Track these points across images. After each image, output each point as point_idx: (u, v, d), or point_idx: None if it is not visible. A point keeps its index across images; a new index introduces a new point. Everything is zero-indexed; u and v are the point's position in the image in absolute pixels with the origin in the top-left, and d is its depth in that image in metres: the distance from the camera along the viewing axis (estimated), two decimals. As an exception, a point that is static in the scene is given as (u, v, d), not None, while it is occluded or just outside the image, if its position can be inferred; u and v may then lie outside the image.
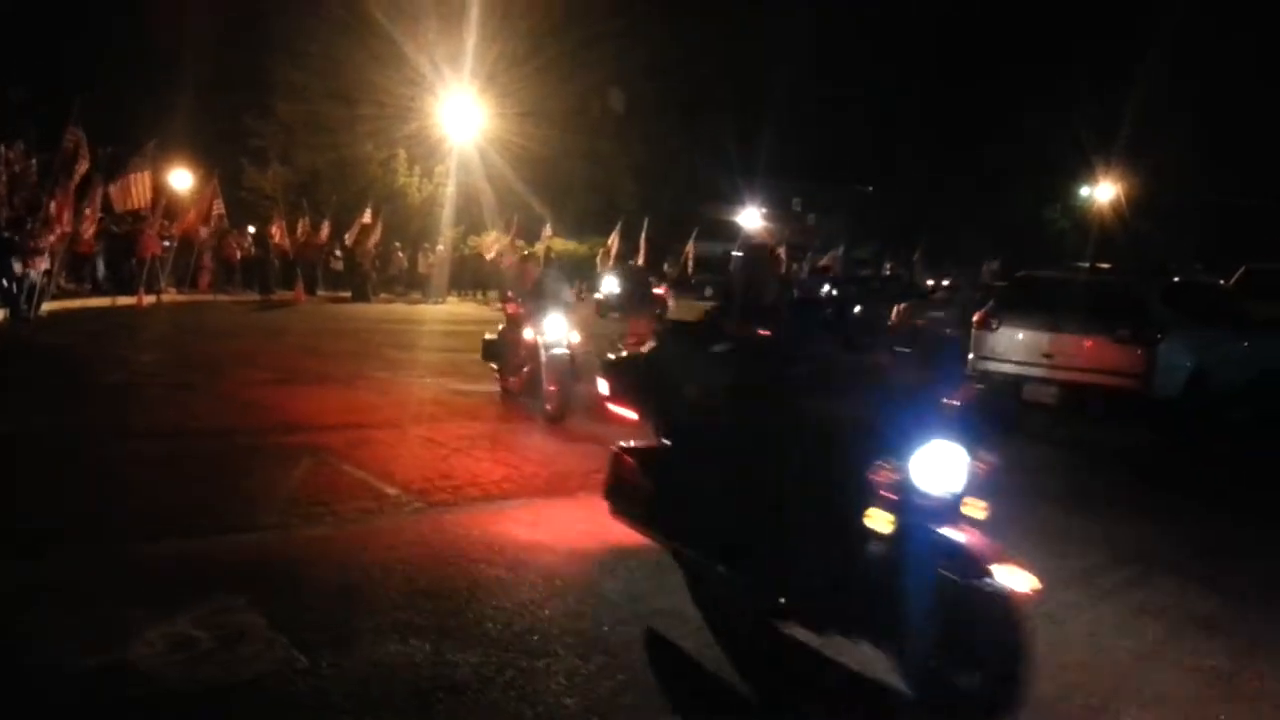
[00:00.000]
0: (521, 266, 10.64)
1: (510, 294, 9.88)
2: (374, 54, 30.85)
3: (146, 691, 3.37)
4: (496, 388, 10.19)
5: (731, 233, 42.56)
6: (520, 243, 29.44)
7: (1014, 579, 3.11)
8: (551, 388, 8.87)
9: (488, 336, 10.44)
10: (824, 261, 31.86)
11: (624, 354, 4.75)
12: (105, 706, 3.29)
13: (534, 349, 9.15)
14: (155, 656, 3.61)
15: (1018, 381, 10.06)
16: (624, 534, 5.44)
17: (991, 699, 3.16)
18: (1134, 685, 3.81)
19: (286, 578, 4.54)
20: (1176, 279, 11.19)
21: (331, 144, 32.15)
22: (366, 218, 27.85)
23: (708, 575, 4.07)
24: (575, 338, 9.18)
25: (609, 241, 32.95)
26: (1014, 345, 10.28)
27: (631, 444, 4.40)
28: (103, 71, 28.01)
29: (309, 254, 27.24)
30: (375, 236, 28.07)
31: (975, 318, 10.92)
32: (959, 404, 3.44)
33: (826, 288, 24.49)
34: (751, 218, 44.34)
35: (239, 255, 26.61)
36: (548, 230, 32.69)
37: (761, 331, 4.08)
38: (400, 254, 29.99)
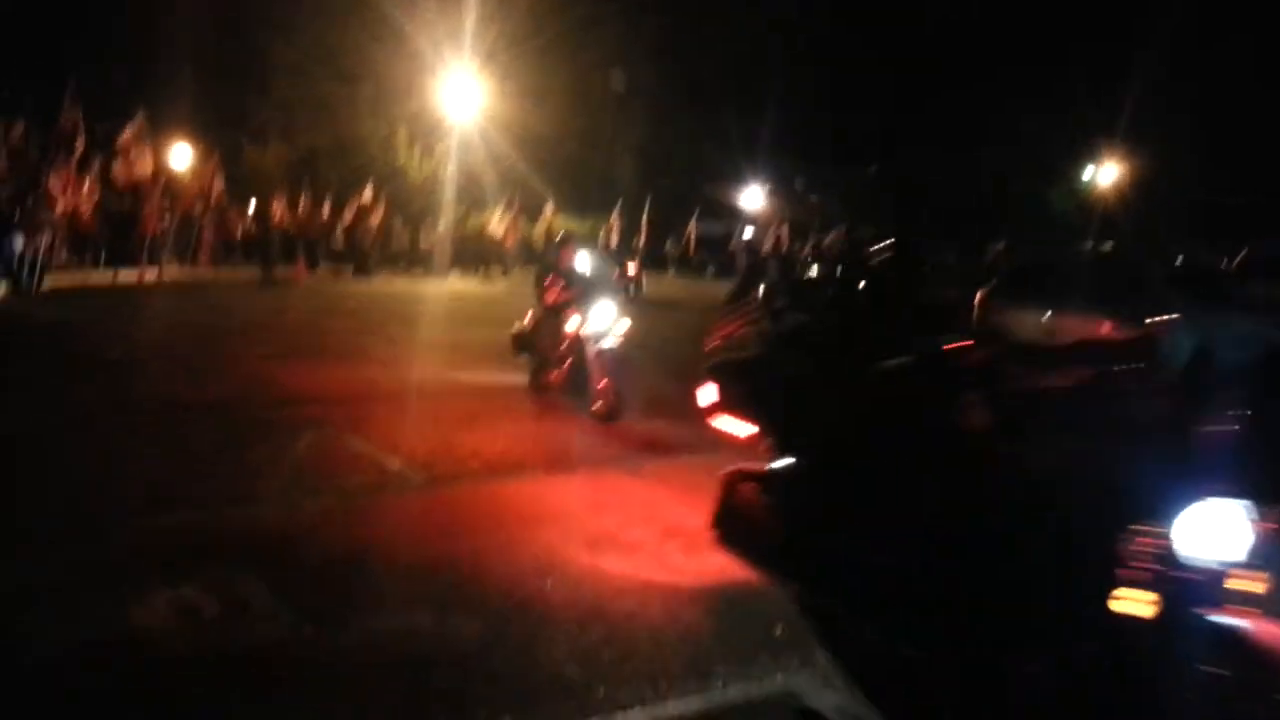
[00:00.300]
0: (559, 248, 9.40)
1: (549, 279, 8.77)
2: (373, 32, 30.65)
3: (150, 658, 3.41)
4: (523, 379, 9.16)
5: (732, 212, 42.46)
6: (554, 219, 29.03)
7: None
8: (601, 384, 7.92)
9: (517, 326, 9.23)
10: (827, 241, 31.80)
11: (741, 355, 3.86)
12: (109, 673, 3.33)
13: (578, 340, 8.24)
14: (160, 624, 3.65)
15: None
16: (623, 509, 5.49)
17: None
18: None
19: (290, 549, 4.58)
20: (1180, 260, 11.17)
21: (331, 122, 32.00)
22: (366, 198, 27.74)
23: (849, 630, 3.31)
24: (624, 326, 8.28)
25: (610, 220, 32.85)
26: (1014, 326, 10.26)
27: (754, 467, 3.67)
28: (101, 49, 27.85)
29: (310, 231, 27.17)
30: (378, 215, 27.96)
31: (977, 298, 10.91)
32: (1228, 441, 2.68)
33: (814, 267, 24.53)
34: (754, 197, 44.16)
35: (239, 232, 26.54)
36: (549, 209, 32.59)
37: (956, 344, 3.36)
38: (401, 231, 29.91)
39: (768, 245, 35.12)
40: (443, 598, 4.06)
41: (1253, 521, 2.52)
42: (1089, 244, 12.51)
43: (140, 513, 4.98)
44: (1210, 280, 12.50)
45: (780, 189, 46.17)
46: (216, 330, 13.03)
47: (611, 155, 37.43)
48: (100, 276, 19.91)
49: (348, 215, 27.20)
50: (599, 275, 8.85)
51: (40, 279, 16.40)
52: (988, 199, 38.95)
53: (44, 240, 16.61)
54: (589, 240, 30.21)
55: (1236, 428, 2.83)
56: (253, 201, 28.10)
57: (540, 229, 32.13)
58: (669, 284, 30.16)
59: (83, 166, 17.82)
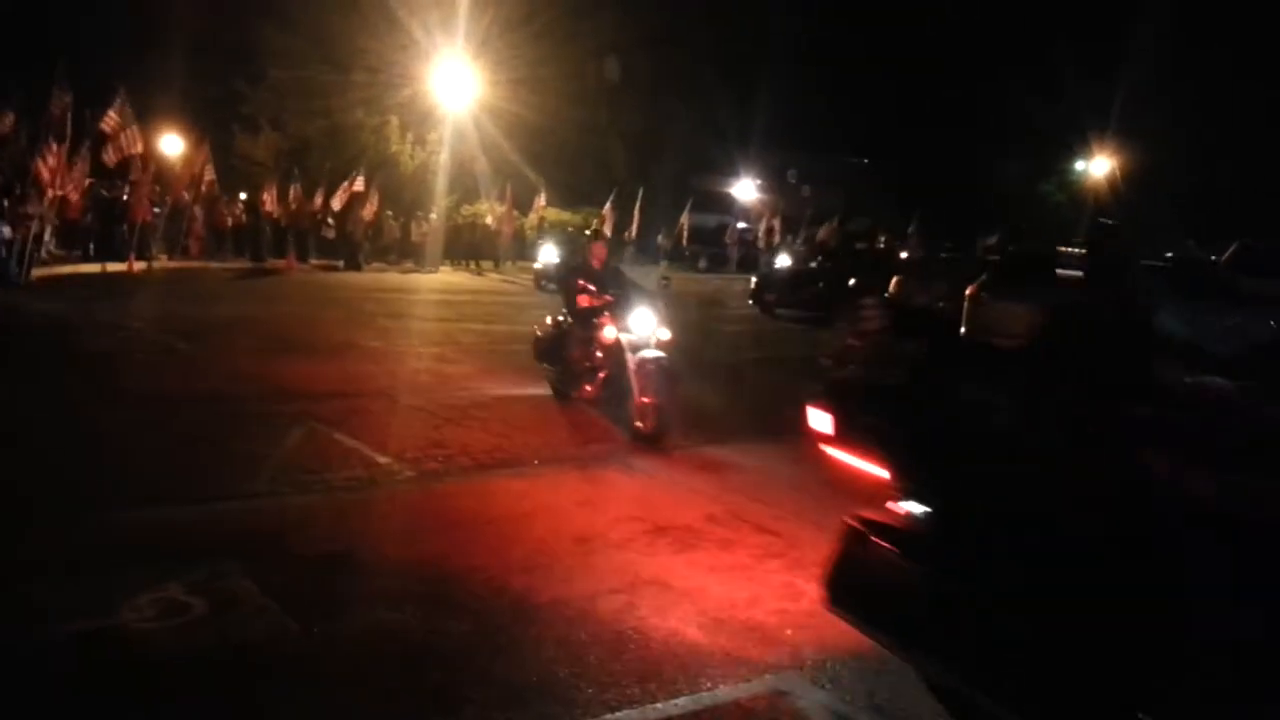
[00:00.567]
0: (588, 246, 8.61)
1: (581, 282, 7.83)
2: (366, 19, 30.51)
3: (137, 658, 3.39)
4: (546, 390, 8.58)
5: (726, 204, 42.44)
6: (598, 215, 28.53)
7: None
8: (644, 399, 7.02)
9: (540, 332, 8.59)
10: (820, 235, 31.80)
11: (878, 376, 3.05)
12: (96, 673, 3.31)
13: (616, 350, 7.40)
14: (146, 623, 3.63)
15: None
16: (614, 506, 5.48)
17: None
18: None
19: (278, 545, 4.56)
20: (1169, 254, 11.22)
21: (323, 110, 31.84)
22: (358, 185, 27.60)
23: None
24: (665, 334, 7.45)
25: (603, 212, 32.78)
26: (1005, 319, 10.27)
27: (881, 517, 2.96)
28: (91, 35, 27.64)
29: (301, 222, 27.04)
30: (372, 207, 27.82)
31: (967, 291, 10.92)
32: None
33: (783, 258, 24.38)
34: (746, 189, 44.14)
35: (230, 222, 26.42)
36: (541, 200, 32.50)
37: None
38: (393, 223, 29.79)
39: (761, 237, 35.13)
40: (432, 594, 4.05)
41: None
42: (1105, 224, 12.42)
43: (127, 507, 4.96)
44: (1200, 275, 12.51)
45: (773, 181, 46.16)
46: (205, 322, 12.97)
47: (604, 145, 37.32)
48: (89, 266, 19.81)
49: (337, 202, 26.94)
50: (634, 276, 8.10)
51: (29, 269, 16.30)
52: (981, 193, 38.96)
53: (32, 230, 16.50)
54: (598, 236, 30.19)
55: None
56: (242, 196, 27.97)
57: (532, 220, 32.04)
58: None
59: (72, 154, 17.66)
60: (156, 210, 22.64)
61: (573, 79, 34.57)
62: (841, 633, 3.90)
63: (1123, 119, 34.03)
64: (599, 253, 8.27)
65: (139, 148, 19.72)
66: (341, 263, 26.49)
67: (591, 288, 7.73)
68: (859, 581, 2.94)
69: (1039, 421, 2.53)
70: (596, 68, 36.69)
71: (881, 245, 29.58)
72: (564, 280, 8.29)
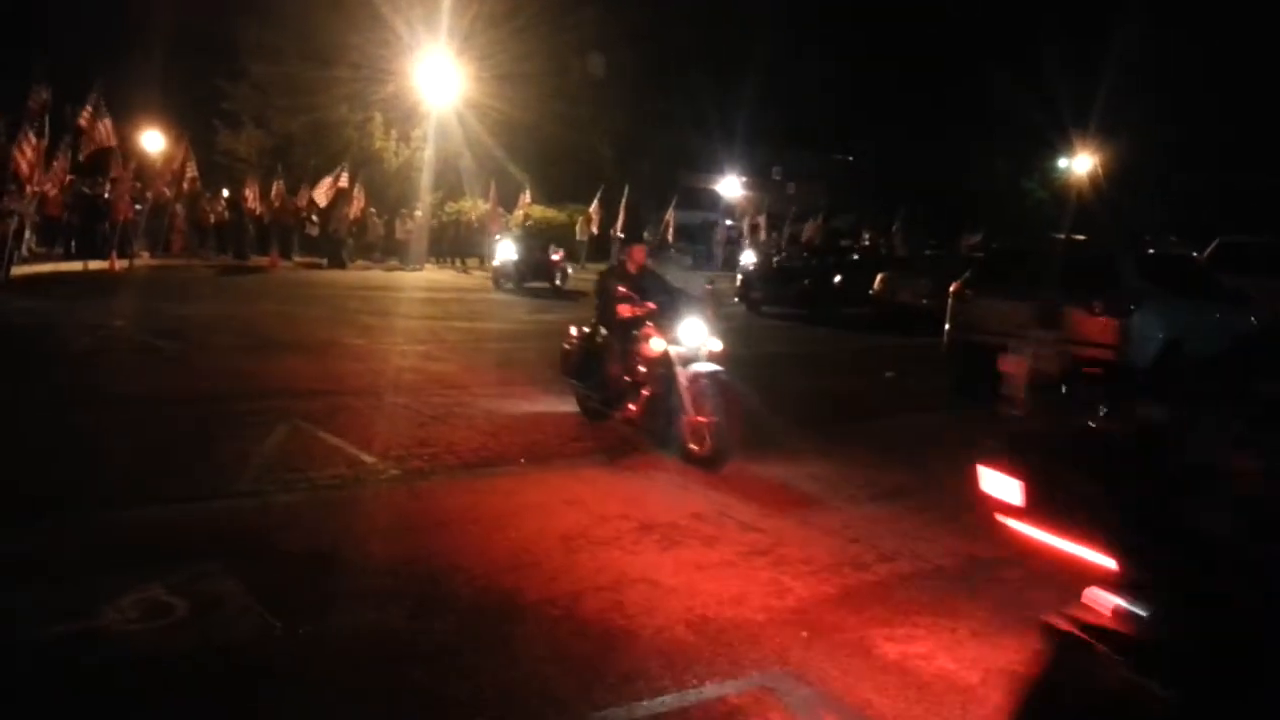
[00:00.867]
0: (625, 249, 7.80)
1: (621, 289, 7.07)
2: (348, 14, 30.31)
3: (120, 659, 3.36)
4: (572, 407, 7.85)
5: (711, 201, 42.48)
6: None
7: None
8: (700, 418, 6.36)
9: (568, 345, 7.81)
10: (807, 233, 31.88)
11: (1080, 426, 2.42)
12: (79, 675, 3.28)
13: (663, 364, 6.66)
14: (130, 624, 3.60)
15: (992, 351, 10.11)
16: (600, 503, 5.48)
17: None
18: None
19: (262, 545, 4.53)
20: (1151, 250, 11.28)
21: (306, 106, 31.63)
22: (342, 181, 27.44)
23: None
24: (717, 345, 6.74)
25: (590, 209, 32.73)
26: (989, 315, 10.33)
27: (1098, 618, 2.19)
28: (72, 31, 27.37)
29: (284, 219, 26.87)
30: (357, 204, 27.65)
31: (951, 288, 10.97)
32: None
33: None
34: (731, 186, 44.19)
35: (212, 219, 26.23)
36: (526, 197, 32.42)
37: None
38: (377, 220, 29.65)
39: (746, 234, 35.18)
40: (418, 594, 4.04)
41: None
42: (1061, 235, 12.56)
43: (109, 508, 4.92)
44: (1181, 271, 12.57)
45: (758, 177, 46.22)
46: (188, 321, 12.88)
47: (589, 142, 37.26)
48: (70, 265, 19.63)
49: (322, 196, 26.72)
50: (679, 282, 7.37)
51: (8, 267, 16.13)
52: (965, 189, 39.17)
53: (12, 226, 16.32)
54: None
55: None
56: (224, 193, 27.76)
57: (517, 217, 31.96)
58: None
59: (51, 150, 17.48)
60: (138, 207, 22.45)
61: (557, 75, 34.50)
62: (827, 630, 3.93)
63: (1105, 116, 34.24)
64: (637, 256, 7.43)
65: (112, 141, 19.49)
66: (325, 260, 26.34)
67: (633, 295, 7.00)
68: (1083, 708, 2.17)
69: None
70: (581, 64, 36.63)
71: (866, 242, 29.68)
72: (600, 287, 7.38)
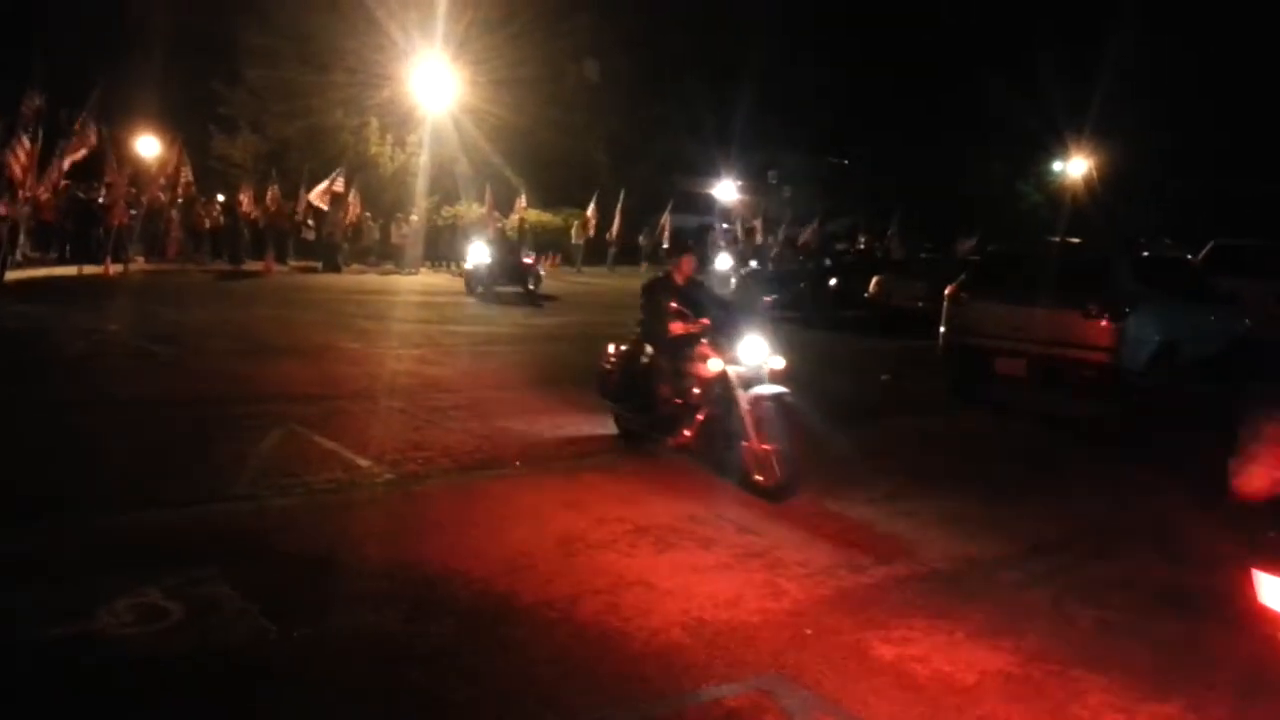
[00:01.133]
0: (675, 258, 6.98)
1: (673, 304, 6.45)
2: (344, 19, 30.30)
3: (116, 663, 3.35)
4: (611, 429, 7.26)
5: (706, 205, 42.50)
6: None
7: None
8: (764, 446, 5.82)
9: (607, 365, 7.14)
10: (803, 237, 31.91)
11: None
12: (75, 679, 3.27)
13: (721, 386, 6.11)
14: (125, 628, 3.59)
15: (989, 354, 10.14)
16: (596, 506, 5.48)
17: None
18: (1095, 654, 3.88)
19: (259, 548, 4.52)
20: (1146, 254, 11.32)
21: (302, 111, 31.59)
22: (337, 185, 27.40)
23: None
24: (779, 363, 6.13)
25: (587, 213, 32.75)
26: (985, 318, 10.35)
27: None
28: (67, 34, 27.32)
29: (279, 223, 26.84)
30: (353, 210, 27.62)
31: (947, 291, 10.99)
32: None
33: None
34: (727, 190, 44.24)
35: (207, 224, 26.19)
36: (522, 201, 32.43)
37: None
38: (372, 224, 29.62)
39: (742, 238, 35.20)
40: (414, 597, 4.03)
41: None
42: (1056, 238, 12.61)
43: (106, 511, 4.91)
44: (1176, 274, 12.62)
45: (754, 181, 46.26)
46: (183, 325, 12.87)
47: (585, 146, 37.29)
48: (64, 269, 19.60)
49: (319, 199, 26.65)
50: (735, 295, 7.17)
51: (2, 272, 16.09)
52: (960, 193, 39.24)
53: (4, 232, 16.29)
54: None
55: None
56: (219, 198, 27.72)
57: (513, 221, 31.96)
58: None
59: (45, 154, 17.45)
60: (133, 212, 22.42)
61: (552, 80, 34.53)
62: (823, 632, 3.93)
63: (1100, 120, 34.35)
64: (685, 267, 6.76)
65: (92, 141, 19.37)
66: (320, 265, 26.32)
67: (685, 311, 6.43)
68: None
69: None
70: (576, 69, 36.69)
71: (862, 246, 29.72)
72: (648, 302, 6.74)
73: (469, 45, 31.16)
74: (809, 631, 3.93)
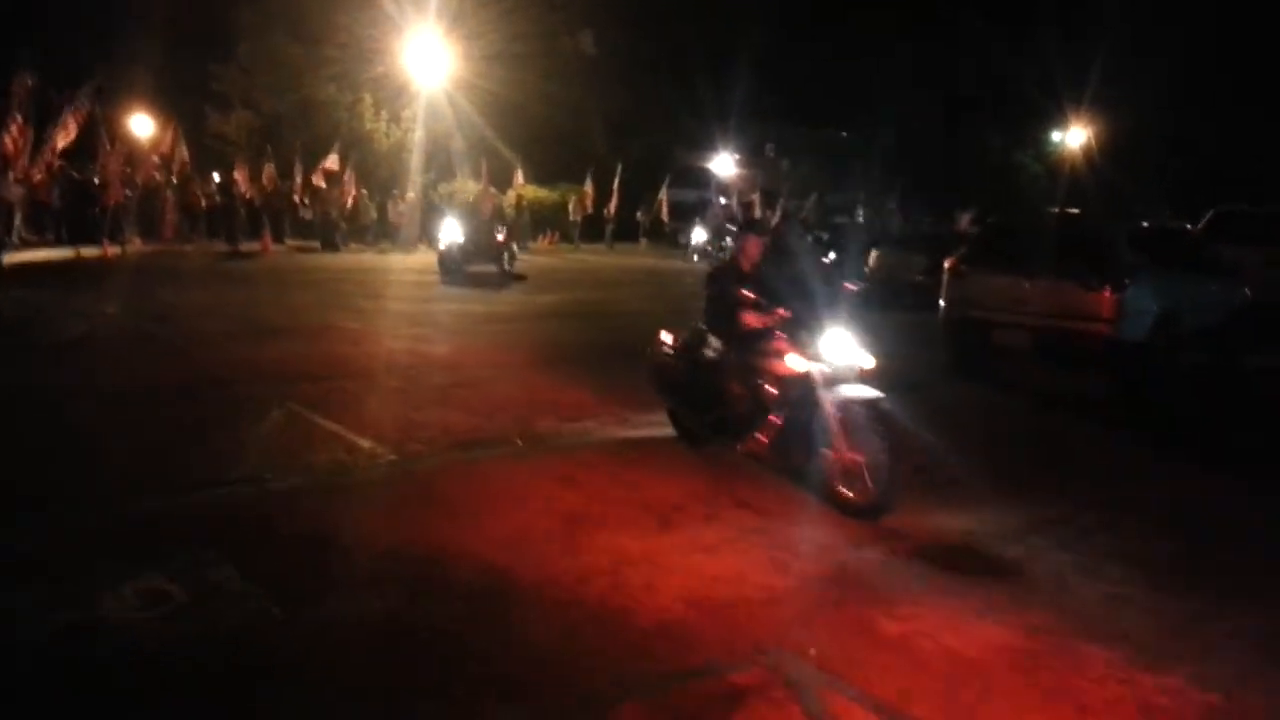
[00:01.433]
0: (741, 241, 6.25)
1: (747, 293, 5.65)
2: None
3: (120, 648, 3.36)
4: (666, 429, 6.61)
5: (704, 179, 42.29)
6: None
7: None
8: (854, 456, 5.16)
9: (662, 357, 6.48)
10: (803, 215, 31.80)
11: None
12: (78, 664, 3.27)
13: (802, 386, 5.37)
14: (129, 612, 3.59)
15: (989, 327, 10.12)
16: (599, 484, 5.48)
17: None
18: (1099, 626, 3.89)
19: (260, 531, 4.52)
20: (1145, 223, 11.28)
21: (295, 87, 31.38)
22: (333, 163, 27.27)
23: None
24: (869, 362, 5.39)
25: (585, 188, 32.59)
26: (985, 291, 10.32)
27: None
28: (60, 14, 27.09)
29: (276, 202, 26.73)
30: (350, 190, 27.51)
31: (946, 264, 10.95)
32: None
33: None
34: (725, 163, 44.00)
35: (204, 204, 26.08)
36: (519, 177, 32.27)
37: None
38: (369, 202, 29.49)
39: (739, 212, 35.04)
40: (418, 577, 4.04)
41: None
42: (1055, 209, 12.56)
43: (106, 496, 4.90)
44: (1175, 244, 12.58)
45: (751, 155, 45.99)
46: (181, 307, 12.83)
47: (581, 121, 37.04)
48: (61, 251, 19.52)
49: (315, 178, 26.62)
50: (819, 282, 5.87)
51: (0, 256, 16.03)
52: (960, 164, 39.06)
53: (1, 215, 16.22)
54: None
55: None
56: (215, 177, 27.59)
57: (510, 197, 31.83)
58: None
59: (39, 136, 17.34)
60: (128, 193, 22.30)
61: (548, 55, 34.24)
62: (828, 608, 3.94)
63: (1100, 88, 34.12)
64: (752, 250, 6.04)
65: (82, 119, 19.17)
66: (318, 244, 26.23)
67: (761, 300, 5.65)
68: None
69: None
70: (572, 43, 36.36)
71: (861, 218, 29.62)
72: (715, 290, 6.01)
73: (462, 19, 30.87)
74: (812, 608, 3.93)
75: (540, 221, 33.33)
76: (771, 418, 5.52)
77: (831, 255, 19.45)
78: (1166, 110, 33.21)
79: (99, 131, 20.49)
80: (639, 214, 34.60)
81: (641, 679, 3.30)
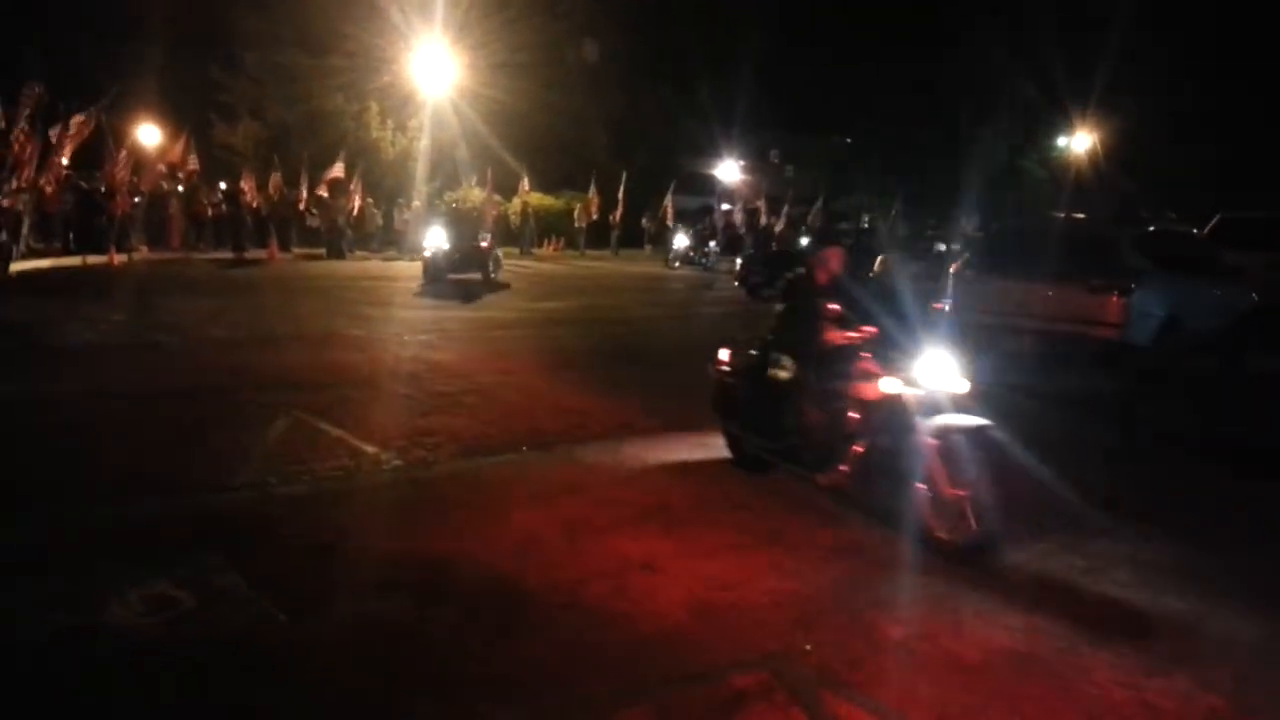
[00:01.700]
0: (817, 250, 5.65)
1: (831, 306, 5.20)
2: (342, 3, 30.15)
3: (126, 652, 3.37)
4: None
5: (709, 185, 42.33)
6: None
7: None
8: (954, 491, 4.61)
9: (723, 376, 5.97)
10: (810, 219, 31.77)
11: None
12: (85, 669, 3.29)
13: (893, 412, 4.83)
14: (135, 617, 3.61)
15: (994, 331, 10.12)
16: (602, 489, 5.48)
17: None
18: (1103, 630, 3.89)
19: (265, 537, 4.54)
20: (1151, 228, 11.28)
21: (302, 97, 31.52)
22: (338, 171, 27.37)
23: None
24: (965, 386, 4.82)
25: (590, 195, 32.64)
26: (990, 295, 10.32)
27: None
28: (69, 23, 27.26)
29: (282, 211, 26.83)
30: (356, 199, 27.62)
31: (952, 269, 10.96)
32: None
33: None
34: (729, 170, 44.05)
35: (210, 213, 26.18)
36: (524, 185, 32.34)
37: None
38: (375, 210, 29.57)
39: (742, 219, 35.05)
40: (422, 582, 4.05)
41: None
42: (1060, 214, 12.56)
43: (112, 501, 4.92)
44: (1181, 249, 12.59)
45: (756, 162, 46.03)
46: (188, 314, 12.87)
47: (585, 129, 37.11)
48: (69, 260, 19.61)
49: (321, 188, 26.76)
50: (905, 297, 5.31)
51: (6, 263, 16.11)
52: (964, 170, 38.98)
53: (9, 223, 16.31)
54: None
55: None
56: (221, 186, 27.71)
57: (515, 205, 31.90)
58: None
59: (46, 145, 17.45)
60: (136, 200, 22.41)
61: (552, 63, 34.34)
62: (829, 612, 3.94)
63: (1104, 94, 34.09)
64: (833, 263, 5.43)
65: (90, 127, 19.29)
66: (324, 252, 26.31)
67: (846, 315, 5.15)
68: None
69: None
70: (576, 51, 36.46)
71: (865, 225, 29.61)
72: (797, 304, 5.47)
73: (468, 29, 31.02)
74: (814, 612, 3.93)
75: (546, 228, 33.40)
76: (854, 447, 4.98)
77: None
78: (1170, 115, 33.15)
79: (106, 140, 20.61)
80: (644, 220, 34.61)
81: (642, 684, 3.30)
